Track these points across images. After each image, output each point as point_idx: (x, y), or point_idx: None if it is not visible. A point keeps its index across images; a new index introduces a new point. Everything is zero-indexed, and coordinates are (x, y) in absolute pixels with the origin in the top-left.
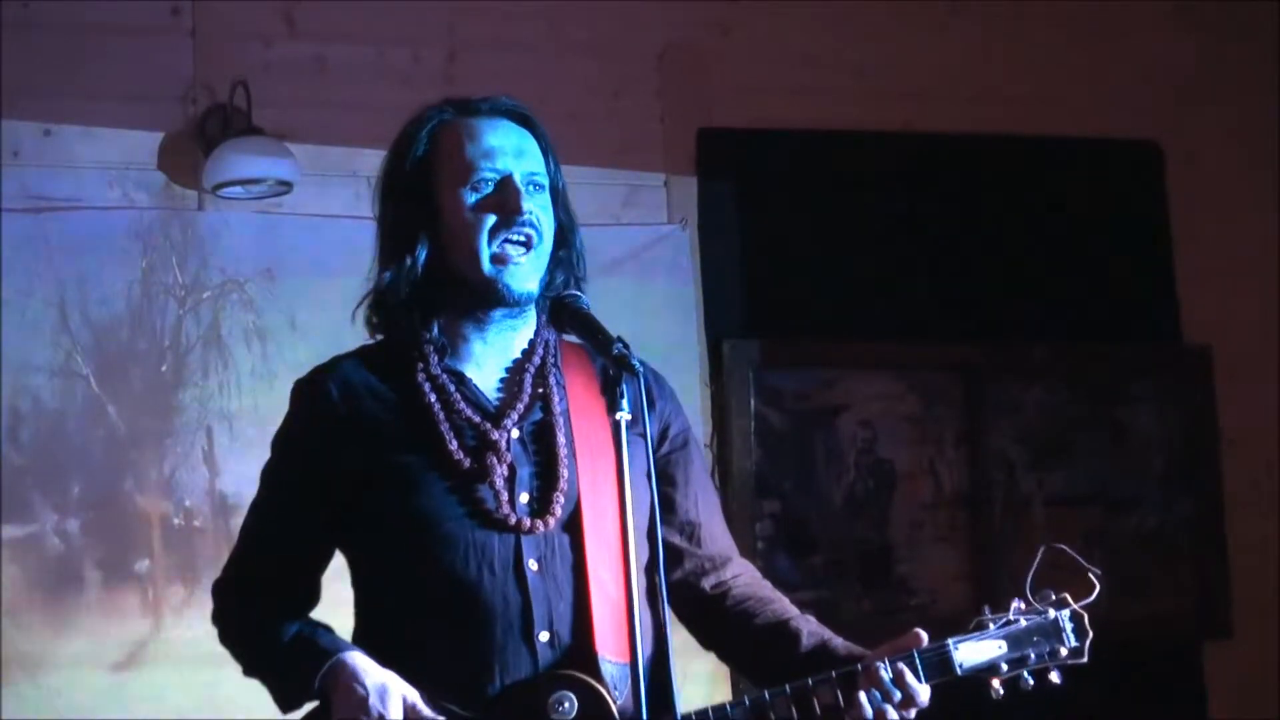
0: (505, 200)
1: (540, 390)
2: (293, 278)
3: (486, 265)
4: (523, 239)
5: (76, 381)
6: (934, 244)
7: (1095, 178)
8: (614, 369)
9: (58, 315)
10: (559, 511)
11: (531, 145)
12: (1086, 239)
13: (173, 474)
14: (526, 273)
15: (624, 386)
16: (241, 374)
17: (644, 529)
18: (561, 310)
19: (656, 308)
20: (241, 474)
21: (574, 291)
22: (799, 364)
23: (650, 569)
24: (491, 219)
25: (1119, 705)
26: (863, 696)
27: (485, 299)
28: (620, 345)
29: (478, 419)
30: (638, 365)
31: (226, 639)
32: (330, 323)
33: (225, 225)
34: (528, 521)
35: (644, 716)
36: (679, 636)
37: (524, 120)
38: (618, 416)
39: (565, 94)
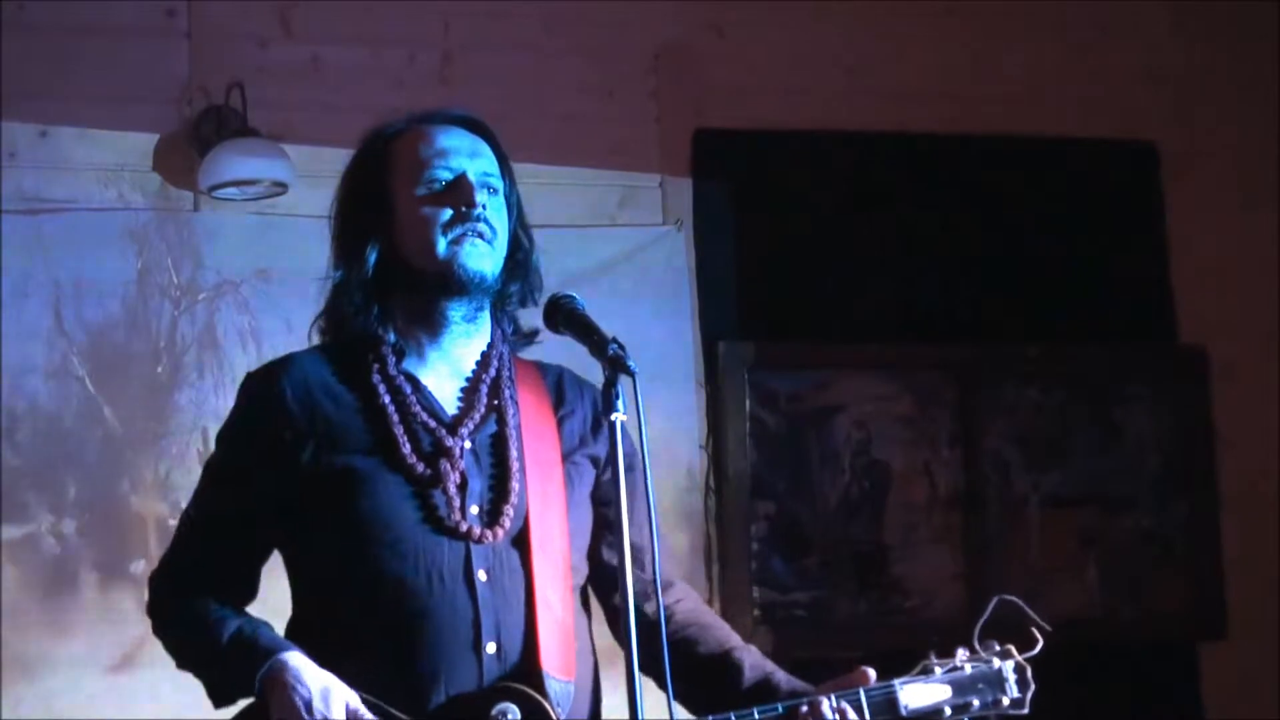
0: (459, 195)
1: (495, 402)
2: (288, 279)
3: (442, 249)
4: (477, 234)
5: (72, 382)
6: (929, 245)
7: (1091, 178)
8: (609, 370)
9: (53, 316)
10: (508, 524)
11: (485, 150)
12: (1082, 239)
13: (168, 475)
14: (481, 254)
15: (618, 388)
16: (237, 375)
17: (584, 550)
18: (556, 310)
19: (651, 309)
20: None
21: (569, 293)
22: (794, 365)
23: (590, 590)
24: (446, 213)
25: (1114, 706)
26: None
27: (440, 287)
28: (615, 346)
29: (432, 424)
30: (633, 366)
31: (160, 630)
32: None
33: (220, 226)
34: (478, 530)
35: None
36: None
37: (478, 128)
38: (613, 418)
39: (560, 95)
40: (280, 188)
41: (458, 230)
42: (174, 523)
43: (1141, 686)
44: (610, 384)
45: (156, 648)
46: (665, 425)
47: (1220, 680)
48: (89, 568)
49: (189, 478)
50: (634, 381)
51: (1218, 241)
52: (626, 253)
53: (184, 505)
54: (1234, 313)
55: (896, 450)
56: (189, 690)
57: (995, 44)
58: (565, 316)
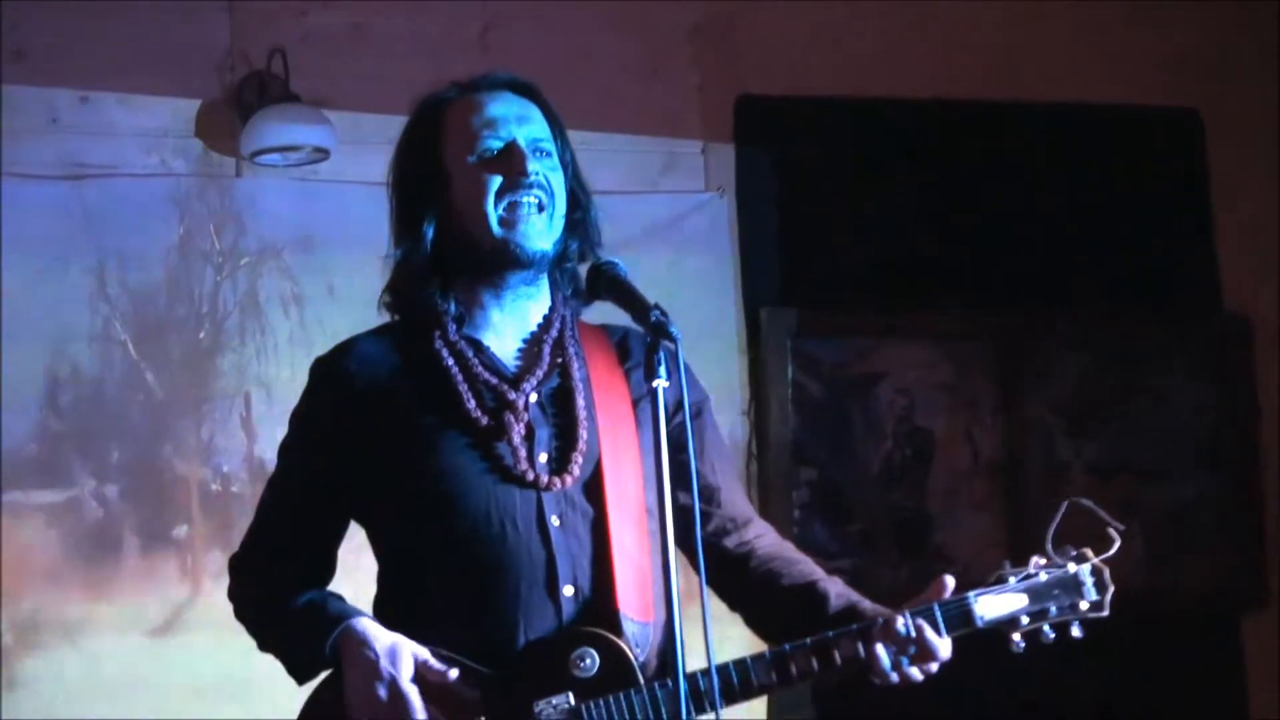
0: (510, 163)
1: (559, 360)
2: (330, 245)
3: (495, 227)
4: (534, 200)
5: (115, 348)
6: (971, 212)
7: (1135, 146)
8: (651, 336)
9: (96, 282)
10: (577, 471)
11: (535, 114)
12: (1125, 207)
13: (211, 440)
14: (538, 231)
15: (661, 354)
16: (279, 340)
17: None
18: (598, 277)
19: (694, 276)
20: (279, 440)
21: (611, 259)
22: (836, 332)
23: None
24: (497, 181)
25: (1157, 676)
26: (880, 649)
27: (498, 262)
28: (658, 312)
29: (495, 381)
30: (675, 332)
31: (242, 614)
32: (368, 290)
33: (262, 192)
34: (545, 478)
35: (713, 670)
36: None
37: (527, 91)
38: (655, 383)
39: (603, 63)
40: (322, 154)
41: (509, 198)
42: (217, 487)
43: (1184, 656)
44: (652, 350)
45: (198, 611)
46: (708, 392)
47: (1262, 649)
48: (131, 532)
49: (231, 442)
50: (677, 347)
51: (1263, 210)
52: (669, 219)
53: (226, 470)
54: (1278, 282)
55: (939, 417)
56: (230, 654)
57: (1039, 11)
58: (607, 282)
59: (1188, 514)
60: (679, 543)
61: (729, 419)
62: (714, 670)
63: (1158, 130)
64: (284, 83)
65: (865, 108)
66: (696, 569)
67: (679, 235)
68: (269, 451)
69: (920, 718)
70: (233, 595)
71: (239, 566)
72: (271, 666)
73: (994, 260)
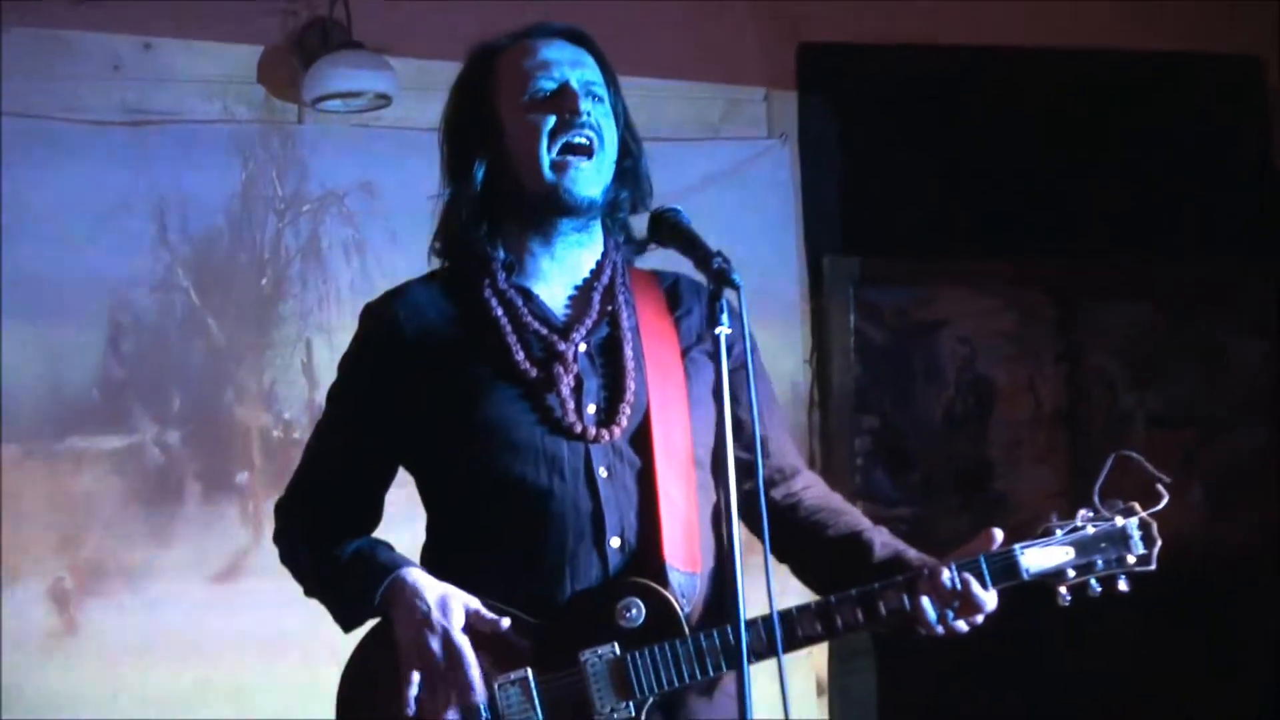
0: (563, 102)
1: (609, 307)
2: (392, 191)
3: (547, 171)
4: (584, 141)
5: (176, 294)
6: (1033, 160)
7: (1196, 93)
8: (713, 283)
9: (158, 229)
10: (625, 422)
11: (589, 59)
12: (1186, 155)
13: (272, 386)
14: (588, 177)
15: (723, 301)
16: (341, 287)
17: (708, 445)
18: (660, 223)
19: (756, 223)
20: None
21: (673, 206)
22: (898, 280)
23: (719, 486)
24: (550, 120)
25: (1219, 625)
26: (925, 601)
27: (548, 208)
28: (720, 259)
29: (544, 331)
30: (738, 280)
31: (288, 558)
32: (429, 236)
33: (325, 138)
34: (594, 430)
35: (775, 619)
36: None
37: (581, 39)
38: (717, 330)
39: (664, 8)
40: (384, 100)
41: (562, 139)
42: (278, 434)
43: (1245, 605)
44: (715, 297)
45: (260, 557)
46: (769, 340)
47: None
48: (193, 478)
49: (292, 389)
50: (739, 295)
51: None
52: (731, 166)
53: (287, 416)
54: None
55: (1001, 366)
56: (291, 601)
57: None
58: (669, 229)
59: (1249, 466)
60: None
61: (791, 367)
62: (776, 619)
63: (1218, 77)
64: (346, 29)
65: (927, 54)
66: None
67: (741, 182)
68: None
69: (968, 663)
70: (278, 539)
71: (286, 510)
72: (359, 628)
73: (1056, 208)
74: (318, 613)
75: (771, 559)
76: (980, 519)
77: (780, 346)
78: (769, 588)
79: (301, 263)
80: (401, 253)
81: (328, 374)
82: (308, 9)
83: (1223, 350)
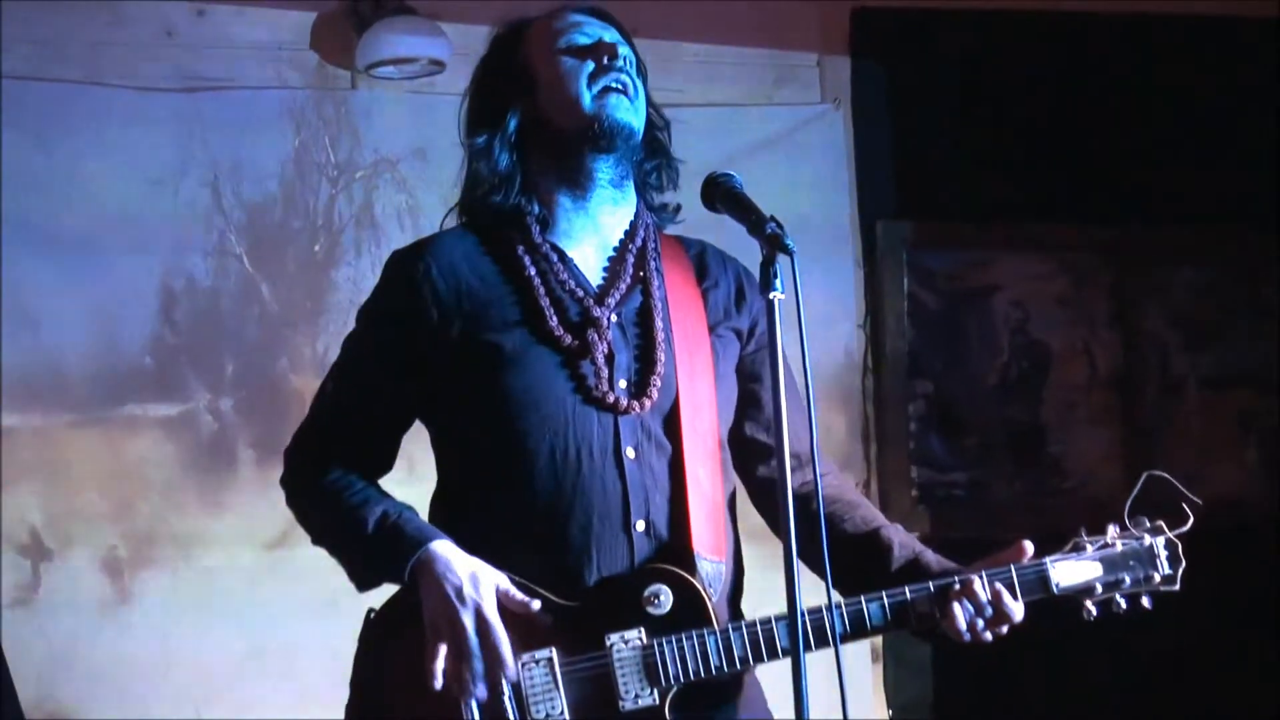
0: (600, 49)
1: (641, 274)
2: (445, 157)
3: (588, 104)
4: (621, 85)
5: (230, 261)
6: (1086, 125)
7: (1257, 58)
8: (767, 249)
9: (211, 195)
10: (655, 394)
11: (619, 36)
12: (1239, 120)
13: (326, 352)
14: (628, 108)
15: (776, 266)
16: None
17: (729, 424)
18: (715, 189)
19: (809, 188)
20: None
21: (727, 171)
22: (951, 245)
23: (742, 469)
24: (589, 65)
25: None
26: (957, 608)
27: (587, 141)
28: (774, 224)
29: (580, 294)
30: (791, 245)
31: (297, 504)
32: None
33: (378, 105)
34: (625, 401)
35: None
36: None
37: (612, 20)
38: (770, 296)
39: None
40: (438, 66)
41: (601, 82)
42: None
43: None
44: (769, 262)
45: None
46: (823, 305)
47: None
48: (246, 445)
49: None
50: (792, 260)
51: None
52: (784, 131)
53: None
54: None
55: (1055, 330)
56: (341, 570)
57: None
58: (724, 194)
59: None
60: (740, 473)
61: (844, 331)
62: (835, 611)
63: (1274, 42)
64: None
65: (980, 19)
66: (771, 516)
67: (794, 148)
68: None
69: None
70: (285, 484)
71: (296, 455)
72: (374, 589)
73: (1108, 173)
74: None
75: (777, 549)
76: (1034, 483)
77: (834, 311)
78: (827, 587)
79: (355, 229)
80: (453, 219)
81: None
82: None
83: (1274, 312)
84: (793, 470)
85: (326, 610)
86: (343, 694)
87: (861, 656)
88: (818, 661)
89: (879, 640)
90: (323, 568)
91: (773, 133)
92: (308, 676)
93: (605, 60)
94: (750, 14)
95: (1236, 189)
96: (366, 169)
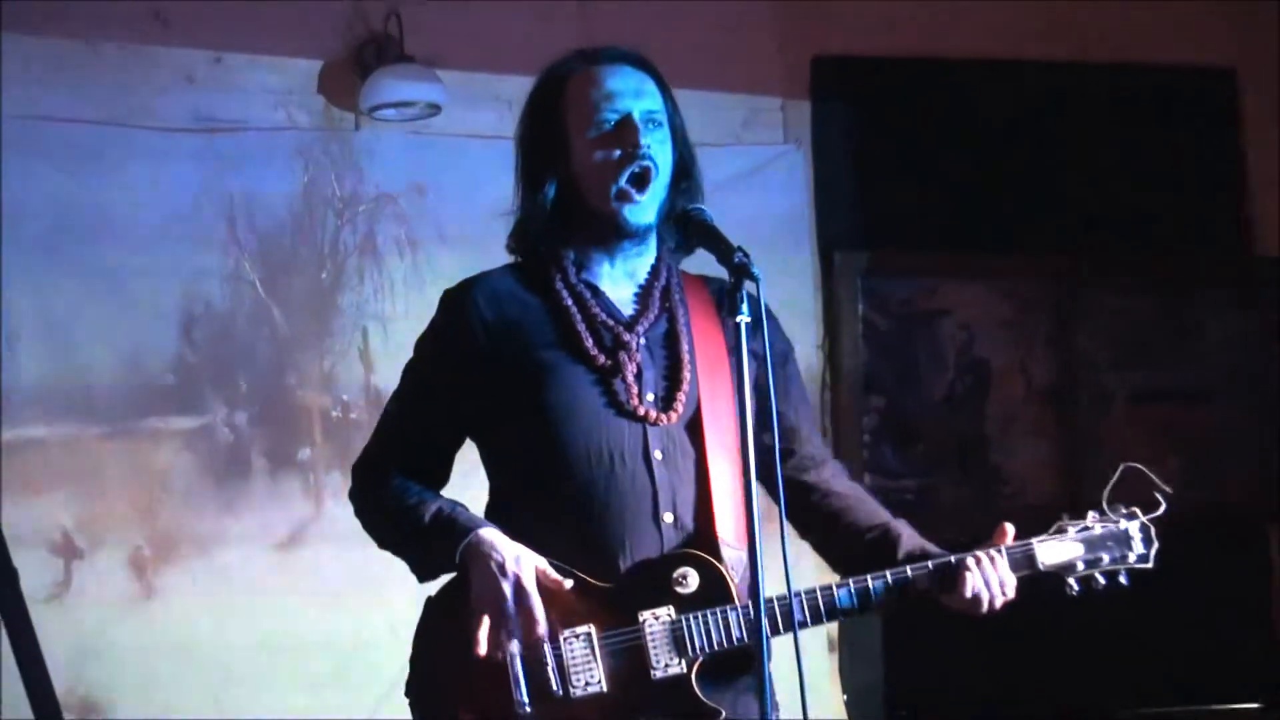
0: (625, 136)
1: (667, 305)
2: (441, 193)
3: (612, 200)
4: (639, 171)
5: (244, 287)
6: (1027, 163)
7: (1176, 102)
8: (734, 276)
9: (227, 226)
10: (681, 408)
11: (650, 86)
12: (1167, 159)
13: (331, 370)
14: (645, 208)
15: (743, 293)
16: (394, 280)
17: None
18: (687, 222)
19: (773, 221)
20: (394, 370)
21: (698, 205)
22: (904, 273)
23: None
24: (615, 154)
25: (1191, 580)
26: (968, 579)
27: (610, 229)
28: (741, 254)
29: (611, 323)
30: (757, 272)
31: (365, 513)
32: (476, 234)
33: (379, 144)
34: (654, 414)
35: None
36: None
37: (642, 64)
38: (737, 319)
39: (692, 26)
40: (434, 109)
41: (624, 177)
42: (337, 414)
43: (1216, 563)
44: (735, 289)
45: (319, 526)
46: (785, 327)
47: None
48: (259, 455)
49: (350, 373)
50: (758, 286)
51: None
52: (751, 169)
53: (346, 398)
54: None
55: (996, 350)
56: (348, 565)
57: None
58: (695, 227)
59: (1222, 434)
60: (760, 478)
61: (805, 351)
62: (844, 589)
63: (1196, 88)
64: (399, 43)
65: (930, 67)
66: (778, 503)
67: (760, 183)
68: (384, 381)
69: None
70: (354, 496)
71: (363, 471)
72: (383, 575)
73: (1047, 206)
74: (371, 576)
75: (792, 536)
76: (978, 489)
77: (795, 333)
78: (786, 564)
79: (358, 258)
80: (449, 250)
81: (382, 360)
82: (364, 26)
83: (1197, 333)
84: (806, 470)
85: (330, 604)
86: (348, 679)
87: (819, 646)
88: (781, 649)
89: (835, 631)
90: (327, 566)
91: (740, 170)
92: (314, 663)
93: (630, 149)
94: (721, 63)
95: (1163, 224)
96: (369, 203)
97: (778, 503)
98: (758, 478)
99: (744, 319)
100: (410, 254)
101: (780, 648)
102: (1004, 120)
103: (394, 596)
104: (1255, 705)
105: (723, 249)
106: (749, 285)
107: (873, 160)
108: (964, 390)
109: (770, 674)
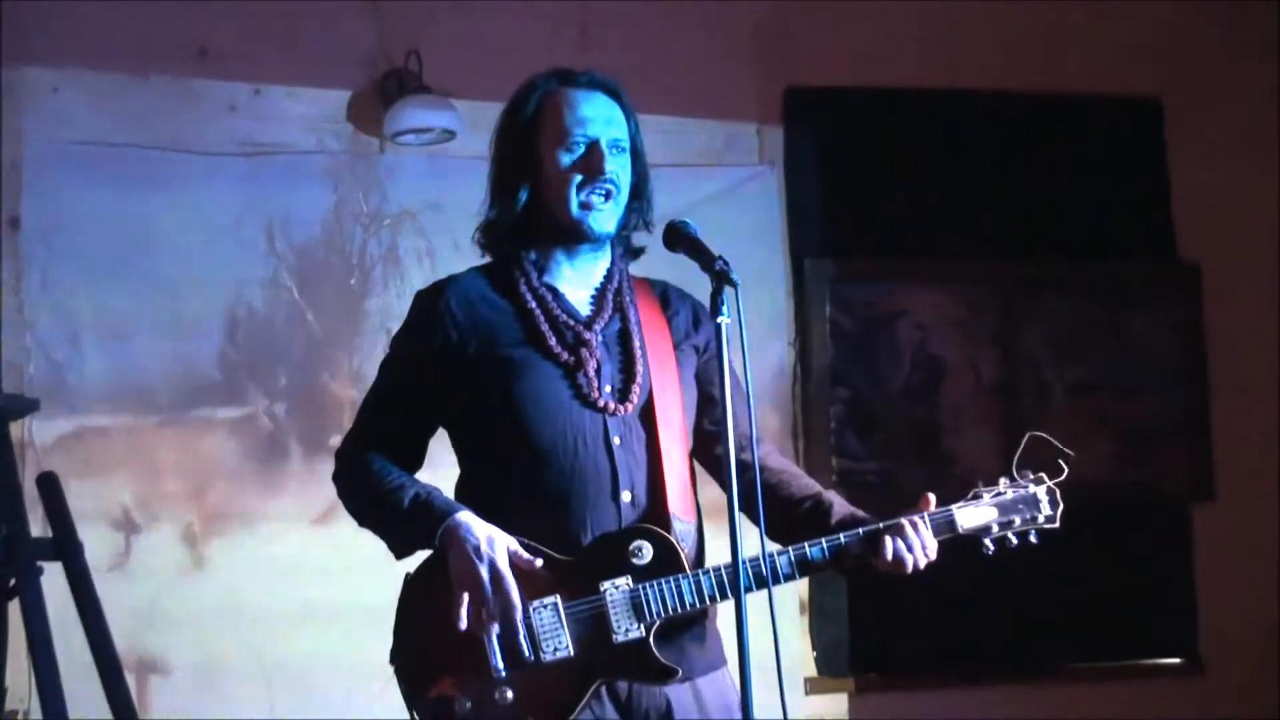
0: (591, 162)
1: (619, 305)
2: (456, 209)
3: (575, 210)
4: (603, 193)
5: (282, 292)
6: (980, 182)
7: (1110, 128)
8: (716, 281)
9: (267, 239)
10: (636, 399)
11: (618, 114)
12: (1101, 178)
13: (359, 367)
14: (606, 217)
15: (723, 297)
16: (415, 287)
17: (693, 419)
18: (675, 234)
19: (749, 233)
20: None
21: (684, 219)
22: (866, 278)
23: (702, 452)
24: (579, 177)
25: (1124, 557)
26: (889, 544)
27: (573, 236)
28: (722, 262)
29: (572, 322)
30: (736, 278)
31: (347, 495)
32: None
33: (401, 166)
34: (612, 404)
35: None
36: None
37: (613, 93)
38: (719, 320)
39: (677, 58)
40: (449, 135)
41: (588, 192)
42: None
43: (1144, 541)
44: (717, 293)
45: None
46: (760, 327)
47: (1209, 537)
48: (296, 441)
49: (376, 369)
50: (736, 291)
51: (1212, 179)
52: (730, 187)
53: None
54: (1226, 237)
55: (948, 348)
56: (375, 538)
57: (1031, 12)
58: (682, 239)
59: (1150, 424)
60: (699, 458)
61: (778, 349)
62: (783, 555)
63: (1128, 114)
64: (418, 77)
65: (890, 97)
66: (727, 484)
67: (738, 200)
68: None
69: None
70: (338, 480)
71: (345, 455)
72: (410, 557)
73: (995, 219)
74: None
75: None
76: (933, 471)
77: (769, 332)
78: (734, 535)
79: (383, 267)
80: (463, 260)
81: None
82: (387, 61)
83: (1129, 332)
84: (743, 449)
85: (363, 572)
86: (379, 639)
87: (791, 608)
88: (756, 610)
89: (805, 595)
90: (357, 540)
91: (721, 188)
92: (350, 626)
93: (594, 173)
94: (702, 91)
95: (1098, 235)
96: (392, 218)
97: (727, 483)
98: (695, 458)
99: (725, 320)
100: (429, 263)
101: (755, 613)
102: (957, 143)
103: (414, 565)
104: (1177, 660)
105: (705, 258)
106: (728, 290)
107: (839, 179)
108: (920, 383)
109: (748, 638)
